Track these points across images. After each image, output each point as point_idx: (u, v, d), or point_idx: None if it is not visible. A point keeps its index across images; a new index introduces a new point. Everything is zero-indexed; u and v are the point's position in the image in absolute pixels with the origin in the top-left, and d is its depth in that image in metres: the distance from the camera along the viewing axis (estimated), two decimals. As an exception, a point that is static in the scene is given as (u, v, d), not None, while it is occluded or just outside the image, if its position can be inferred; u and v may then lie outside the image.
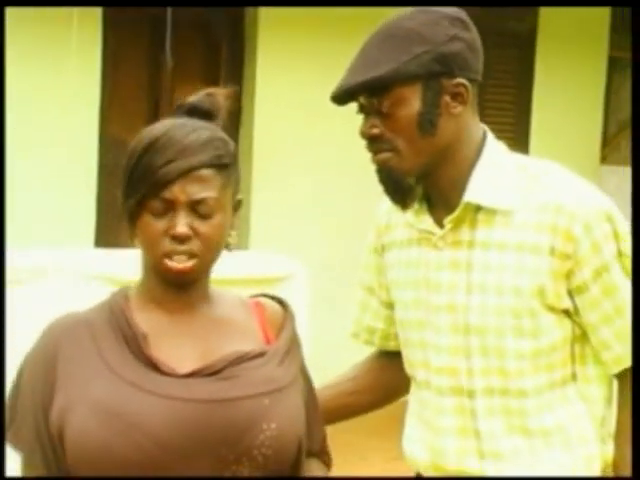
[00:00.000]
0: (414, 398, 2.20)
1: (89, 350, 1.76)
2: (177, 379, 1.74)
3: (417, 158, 2.01)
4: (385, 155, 2.02)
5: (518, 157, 2.11)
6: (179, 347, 1.78)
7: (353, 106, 2.06)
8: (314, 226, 6.86)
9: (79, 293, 4.11)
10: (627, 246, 2.02)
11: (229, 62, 6.91)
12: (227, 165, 1.79)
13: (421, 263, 2.11)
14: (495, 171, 2.04)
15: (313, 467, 1.93)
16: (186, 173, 1.74)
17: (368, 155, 2.08)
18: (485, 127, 2.10)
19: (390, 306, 2.24)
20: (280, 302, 1.95)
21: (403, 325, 2.18)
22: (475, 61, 2.03)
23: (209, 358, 1.78)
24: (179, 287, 1.79)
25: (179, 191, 1.73)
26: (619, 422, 2.07)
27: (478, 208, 2.02)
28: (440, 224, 2.06)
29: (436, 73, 1.97)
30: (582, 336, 2.05)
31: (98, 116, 6.46)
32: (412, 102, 1.98)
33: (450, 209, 2.04)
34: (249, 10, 6.82)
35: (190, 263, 1.74)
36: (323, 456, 1.98)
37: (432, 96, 1.98)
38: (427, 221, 2.08)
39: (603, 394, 2.09)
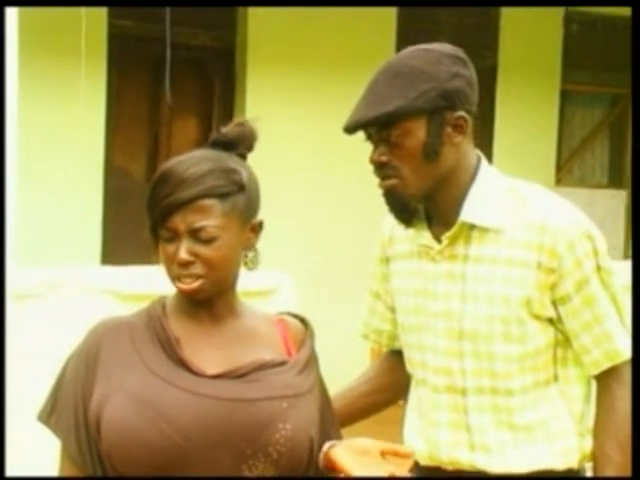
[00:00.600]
0: (413, 394, 2.21)
1: (128, 349, 1.78)
2: (205, 379, 1.75)
3: (421, 183, 2.03)
4: (392, 181, 2.03)
5: (508, 180, 2.11)
6: (208, 352, 1.80)
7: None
8: (299, 244, 6.88)
9: (86, 307, 4.12)
10: (605, 261, 2.05)
11: (221, 98, 6.93)
12: (228, 193, 1.77)
13: (420, 273, 2.12)
14: (488, 193, 2.05)
15: None
16: (185, 204, 1.73)
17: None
18: (479, 152, 2.12)
19: (395, 310, 2.25)
20: (302, 320, 1.95)
21: (404, 328, 2.19)
22: (473, 95, 2.04)
23: (234, 364, 1.78)
24: (201, 302, 1.80)
25: (179, 221, 1.73)
26: (597, 419, 2.08)
27: (472, 226, 2.04)
28: (438, 239, 2.08)
29: (440, 108, 1.98)
30: (564, 341, 2.07)
31: (103, 146, 6.48)
32: (418, 133, 1.99)
33: (448, 226, 2.06)
34: (239, 51, 6.85)
35: (196, 284, 1.75)
36: None
37: (436, 128, 1.99)
38: (426, 236, 2.10)
39: (582, 393, 2.11)
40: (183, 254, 1.74)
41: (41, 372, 4.09)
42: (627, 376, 2.06)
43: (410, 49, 2.08)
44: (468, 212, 2.03)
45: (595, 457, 2.07)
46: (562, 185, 7.99)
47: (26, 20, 4.28)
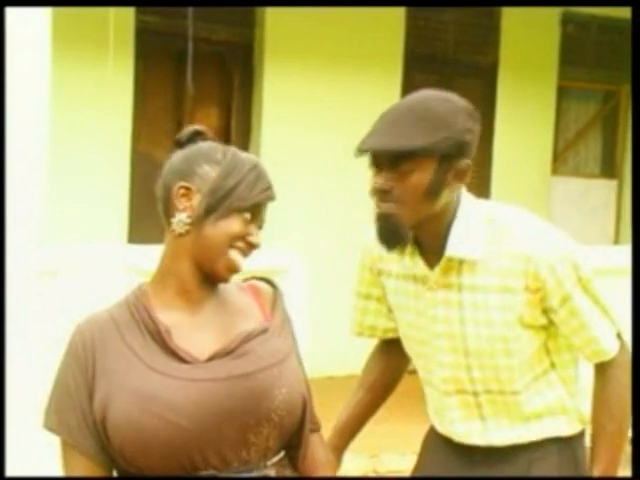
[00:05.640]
0: (425, 389, 2.28)
1: (119, 346, 1.73)
2: (199, 364, 1.72)
3: (415, 216, 2.04)
4: (390, 205, 2.02)
5: (486, 208, 2.14)
6: (197, 336, 1.76)
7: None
8: (313, 225, 6.88)
9: (113, 283, 4.11)
10: (583, 271, 2.09)
11: (240, 89, 6.91)
12: None
13: (418, 296, 2.15)
14: (469, 226, 2.08)
15: (319, 444, 1.92)
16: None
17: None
18: (459, 191, 2.13)
19: (390, 309, 2.28)
20: (269, 282, 1.94)
21: (406, 337, 2.24)
22: (475, 147, 2.07)
23: (222, 342, 1.76)
24: (205, 286, 1.79)
25: (263, 210, 1.84)
26: (595, 398, 2.17)
27: (461, 259, 2.07)
28: (430, 266, 2.11)
29: (451, 155, 2.01)
30: (555, 334, 2.15)
31: (130, 134, 6.48)
32: (426, 172, 2.00)
33: (436, 255, 2.09)
34: (257, 46, 6.84)
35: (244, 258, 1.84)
36: (312, 424, 1.94)
37: (442, 171, 2.01)
38: (420, 264, 2.12)
39: (574, 374, 2.22)
40: (257, 238, 1.79)
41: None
42: (620, 360, 2.16)
43: (428, 95, 2.07)
44: (452, 247, 2.06)
45: (592, 428, 2.17)
46: (558, 174, 7.97)
47: (57, 16, 4.28)
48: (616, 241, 8.05)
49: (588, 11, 7.76)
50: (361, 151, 2.03)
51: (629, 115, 8.05)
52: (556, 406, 2.17)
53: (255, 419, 1.72)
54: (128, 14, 6.26)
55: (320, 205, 6.95)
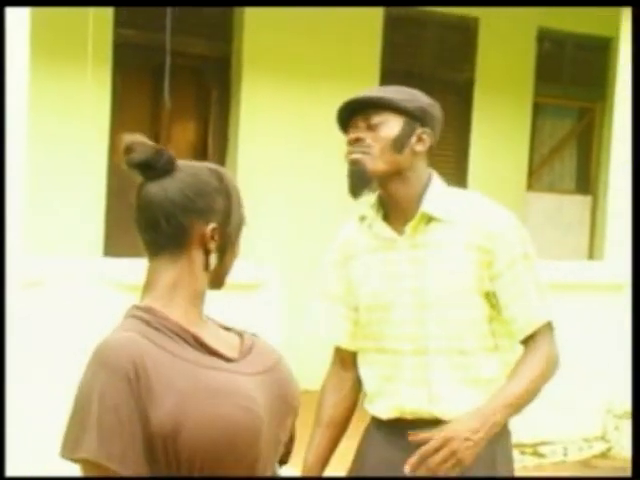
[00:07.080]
0: (372, 362, 2.40)
1: (166, 357, 1.66)
2: (239, 362, 1.74)
3: (381, 165, 2.31)
4: (359, 155, 2.31)
5: (454, 189, 2.44)
6: (218, 339, 1.76)
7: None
8: (290, 238, 6.90)
9: (89, 296, 4.11)
10: (529, 248, 2.36)
11: (217, 103, 6.93)
12: None
13: (386, 262, 2.37)
14: (439, 194, 2.36)
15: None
16: None
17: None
18: (432, 171, 2.42)
19: (354, 309, 2.43)
20: None
21: (370, 309, 2.39)
22: (438, 130, 2.40)
23: (234, 343, 1.79)
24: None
25: None
26: (517, 370, 2.30)
27: (429, 220, 2.33)
28: (398, 232, 2.35)
29: (416, 117, 2.33)
30: (497, 316, 2.34)
31: (107, 147, 6.47)
32: (393, 127, 2.32)
33: (406, 220, 2.34)
34: (235, 60, 6.87)
35: None
36: None
37: (407, 131, 2.33)
38: (388, 231, 2.37)
39: (513, 359, 2.36)
40: None
41: (46, 357, 4.10)
42: (542, 341, 2.32)
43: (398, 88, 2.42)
44: (427, 206, 2.33)
45: (499, 390, 2.28)
46: (533, 190, 8.03)
47: (36, 29, 4.29)
48: (590, 256, 8.11)
49: (564, 28, 7.84)
50: (344, 105, 2.36)
51: (603, 132, 8.12)
52: (494, 385, 2.28)
53: (287, 408, 1.78)
54: (106, 27, 6.27)
55: (297, 219, 6.96)
